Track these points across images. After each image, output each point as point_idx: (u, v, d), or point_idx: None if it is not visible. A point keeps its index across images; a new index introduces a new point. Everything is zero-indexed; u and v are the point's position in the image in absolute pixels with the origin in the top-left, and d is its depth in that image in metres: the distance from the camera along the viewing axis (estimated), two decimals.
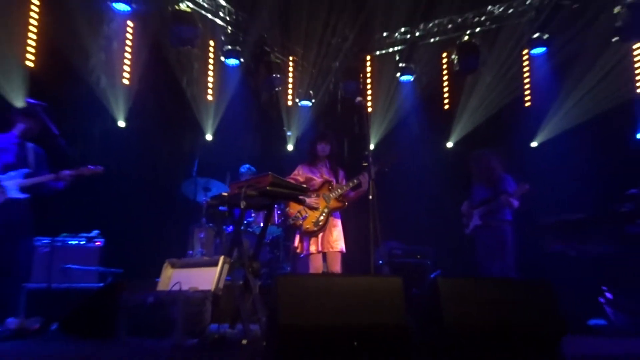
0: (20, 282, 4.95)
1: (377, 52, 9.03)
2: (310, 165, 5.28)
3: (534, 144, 8.12)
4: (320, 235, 5.06)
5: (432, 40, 8.61)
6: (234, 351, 3.18)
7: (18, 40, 6.36)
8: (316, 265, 5.08)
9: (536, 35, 7.70)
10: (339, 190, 5.12)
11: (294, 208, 5.07)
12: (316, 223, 5.01)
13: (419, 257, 7.18)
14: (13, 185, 4.62)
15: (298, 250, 5.16)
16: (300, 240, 5.14)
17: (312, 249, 5.04)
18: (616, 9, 7.09)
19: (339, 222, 5.19)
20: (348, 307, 2.84)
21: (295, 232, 5.20)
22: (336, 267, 5.10)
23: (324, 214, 5.04)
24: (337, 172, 5.30)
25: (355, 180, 5.13)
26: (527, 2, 7.82)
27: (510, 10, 7.97)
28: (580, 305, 4.98)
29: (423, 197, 8.01)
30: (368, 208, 4.43)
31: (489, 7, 8.04)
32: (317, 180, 5.17)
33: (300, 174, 5.20)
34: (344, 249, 5.13)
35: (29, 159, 4.78)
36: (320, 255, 5.09)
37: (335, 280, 3.22)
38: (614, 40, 7.20)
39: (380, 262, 7.16)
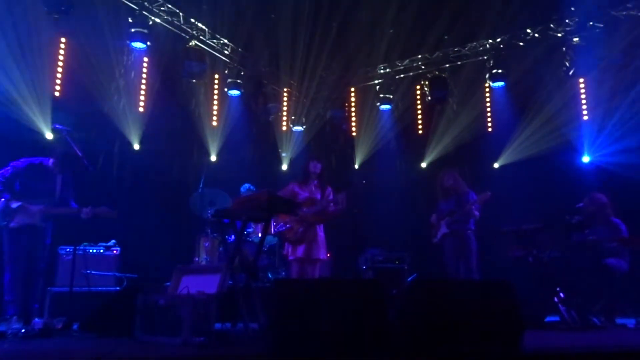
0: (46, 286, 4.90)
1: (360, 85, 9.12)
2: (302, 183, 5.23)
3: (496, 165, 8.21)
4: (304, 245, 5.02)
5: (407, 74, 8.73)
6: (236, 347, 3.15)
7: (47, 72, 6.35)
8: (297, 270, 5.06)
9: (495, 71, 7.84)
10: (318, 207, 5.06)
11: (280, 218, 5.07)
12: (295, 233, 4.98)
13: (397, 262, 7.18)
14: (37, 213, 4.56)
15: (285, 254, 5.19)
16: (287, 248, 5.14)
17: (295, 255, 5.03)
18: (563, 49, 7.28)
19: (321, 234, 5.13)
20: (336, 306, 2.84)
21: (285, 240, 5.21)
22: (316, 272, 5.08)
23: (302, 227, 5.00)
24: (325, 189, 5.23)
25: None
26: (488, 42, 7.97)
27: (474, 50, 8.12)
28: (537, 304, 5.00)
29: (401, 211, 8.04)
30: (353, 221, 4.45)
31: (456, 47, 8.18)
32: (301, 197, 5.11)
33: (288, 191, 5.16)
34: (323, 257, 5.09)
35: (56, 189, 4.72)
36: (301, 261, 5.05)
37: (325, 283, 3.23)
38: (562, 75, 7.37)
39: (364, 267, 7.17)
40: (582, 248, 5.30)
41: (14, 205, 4.47)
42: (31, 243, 4.55)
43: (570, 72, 7.34)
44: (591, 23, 7.10)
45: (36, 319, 4.29)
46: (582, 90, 7.56)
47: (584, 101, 7.53)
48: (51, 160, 4.76)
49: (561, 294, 4.95)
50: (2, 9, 5.77)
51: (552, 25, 7.45)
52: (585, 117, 7.49)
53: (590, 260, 5.19)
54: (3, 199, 4.48)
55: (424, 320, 2.89)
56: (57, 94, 6.48)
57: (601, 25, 7.08)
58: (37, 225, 4.58)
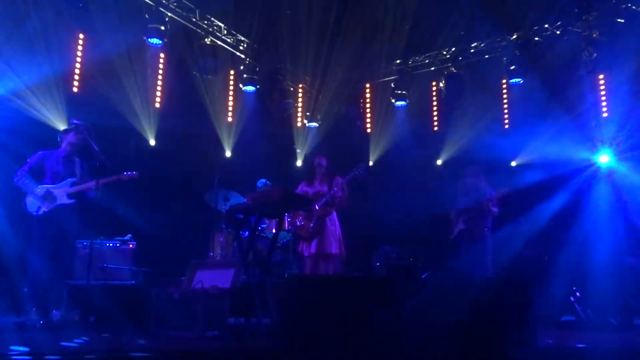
0: (64, 278, 4.98)
1: (376, 81, 9.07)
2: (308, 180, 5.35)
3: (513, 163, 8.09)
4: (316, 240, 5.06)
5: (422, 70, 8.66)
6: (248, 342, 3.17)
7: (65, 69, 6.44)
8: (311, 266, 5.09)
9: (513, 67, 7.73)
10: (325, 198, 5.12)
11: (293, 217, 5.13)
12: (307, 230, 5.05)
13: (411, 259, 7.15)
14: (62, 193, 4.71)
15: (300, 250, 5.23)
16: (301, 245, 5.19)
17: (308, 251, 5.08)
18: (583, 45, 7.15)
19: (332, 227, 5.16)
20: (349, 303, 2.84)
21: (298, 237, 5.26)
22: (329, 268, 5.10)
23: (312, 222, 5.06)
24: (332, 181, 5.26)
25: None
26: (505, 38, 7.86)
27: (491, 45, 8.02)
28: (554, 303, 4.95)
29: (416, 208, 7.97)
30: (367, 218, 4.45)
31: (472, 43, 8.09)
32: (310, 193, 5.19)
33: (301, 192, 5.24)
34: (336, 251, 5.11)
35: (75, 170, 4.88)
36: (315, 257, 5.08)
37: (338, 279, 3.23)
38: (581, 72, 7.24)
39: (377, 264, 7.15)
40: (599, 246, 5.23)
41: (41, 192, 4.62)
42: (60, 224, 4.69)
43: (590, 69, 7.20)
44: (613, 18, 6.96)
45: (54, 311, 4.36)
46: (602, 87, 7.42)
47: (603, 98, 7.39)
48: (64, 143, 4.88)
49: (577, 293, 4.89)
50: (21, 4, 5.85)
51: (571, 21, 7.33)
52: (605, 115, 7.35)
53: (608, 258, 5.11)
54: (30, 188, 4.63)
55: (437, 317, 2.87)
56: (75, 89, 6.57)
57: (622, 20, 6.94)
58: (63, 204, 4.70)
